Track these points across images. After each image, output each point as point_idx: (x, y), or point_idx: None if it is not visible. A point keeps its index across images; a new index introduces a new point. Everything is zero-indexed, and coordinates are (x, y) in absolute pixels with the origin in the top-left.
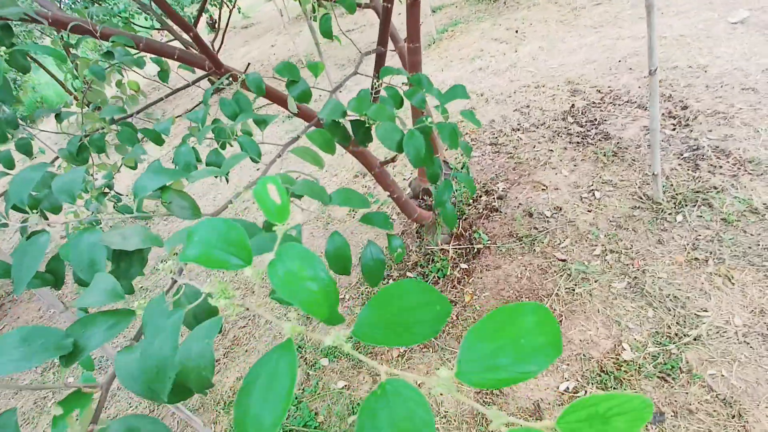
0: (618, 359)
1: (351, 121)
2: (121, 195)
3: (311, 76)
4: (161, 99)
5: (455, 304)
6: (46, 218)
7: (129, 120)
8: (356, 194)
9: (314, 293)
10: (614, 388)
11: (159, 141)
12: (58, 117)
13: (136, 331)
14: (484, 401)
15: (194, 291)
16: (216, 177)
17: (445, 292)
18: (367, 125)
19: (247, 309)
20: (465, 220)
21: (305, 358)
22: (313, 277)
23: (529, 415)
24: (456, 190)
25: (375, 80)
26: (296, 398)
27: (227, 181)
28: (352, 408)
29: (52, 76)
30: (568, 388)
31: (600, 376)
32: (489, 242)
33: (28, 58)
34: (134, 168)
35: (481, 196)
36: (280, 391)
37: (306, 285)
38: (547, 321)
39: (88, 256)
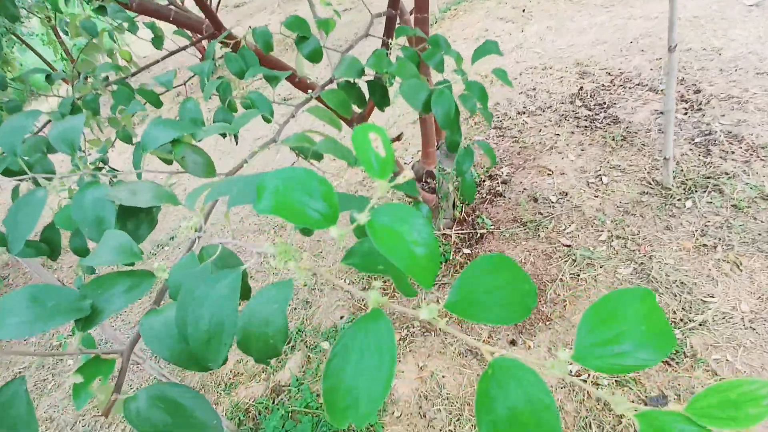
0: None
1: (367, 81)
2: (117, 171)
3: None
4: (157, 61)
5: None
6: (38, 184)
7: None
8: None
9: (421, 258)
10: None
11: (158, 103)
12: (49, 78)
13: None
14: None
15: (228, 254)
16: (225, 137)
17: (447, 277)
18: (385, 85)
19: (315, 275)
20: (468, 204)
21: (305, 341)
22: (423, 242)
23: None
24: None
25: (390, 41)
26: (297, 380)
27: (236, 141)
28: None
29: (40, 56)
30: (571, 371)
31: None
32: (492, 227)
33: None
34: (129, 142)
35: (484, 181)
36: (379, 367)
37: (413, 249)
38: (655, 309)
39: (94, 213)
